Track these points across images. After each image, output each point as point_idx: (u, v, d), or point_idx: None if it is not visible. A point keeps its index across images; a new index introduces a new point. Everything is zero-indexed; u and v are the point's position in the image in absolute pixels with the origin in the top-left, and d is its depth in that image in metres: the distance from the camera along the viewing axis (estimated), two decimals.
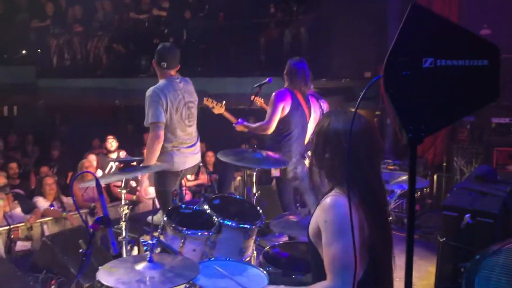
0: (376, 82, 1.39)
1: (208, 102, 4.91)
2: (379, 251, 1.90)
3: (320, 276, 1.91)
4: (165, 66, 4.05)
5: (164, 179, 4.08)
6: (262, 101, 5.21)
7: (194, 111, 4.24)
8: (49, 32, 11.05)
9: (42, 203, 5.62)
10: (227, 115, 4.93)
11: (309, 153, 4.77)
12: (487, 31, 5.90)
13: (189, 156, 4.19)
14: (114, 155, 7.52)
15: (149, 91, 3.99)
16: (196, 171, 4.48)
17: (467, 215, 3.46)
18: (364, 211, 1.86)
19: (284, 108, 4.46)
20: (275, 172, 4.72)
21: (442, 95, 1.21)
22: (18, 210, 5.35)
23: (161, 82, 4.07)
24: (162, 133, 3.94)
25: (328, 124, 1.98)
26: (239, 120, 4.71)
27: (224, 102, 4.90)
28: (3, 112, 12.02)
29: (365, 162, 1.87)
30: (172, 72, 4.11)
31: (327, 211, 1.87)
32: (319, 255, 1.93)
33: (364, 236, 1.85)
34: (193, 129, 4.23)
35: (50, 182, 5.82)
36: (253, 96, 4.98)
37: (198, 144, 4.34)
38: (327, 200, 1.89)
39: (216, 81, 8.56)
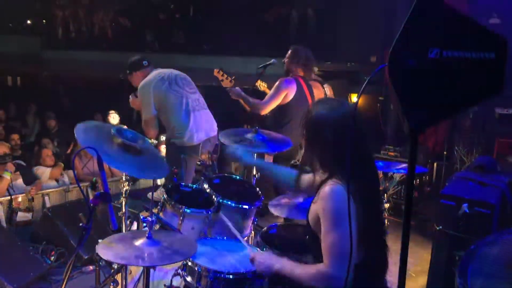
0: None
1: (219, 74, 4.76)
2: (373, 239, 1.93)
3: (321, 259, 1.95)
4: (147, 64, 4.36)
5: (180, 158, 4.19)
6: (266, 86, 5.14)
7: (189, 79, 4.41)
8: (55, 3, 10.96)
9: (43, 174, 5.66)
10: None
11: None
12: (496, 21, 5.83)
13: (203, 128, 4.30)
14: None
15: (139, 85, 4.25)
16: (214, 148, 4.55)
17: (464, 205, 3.47)
18: (358, 200, 1.87)
19: (287, 96, 4.44)
20: (269, 158, 4.70)
21: (446, 87, 1.21)
22: (20, 181, 5.38)
23: (147, 78, 4.28)
24: (154, 125, 4.25)
25: (314, 114, 2.01)
26: (237, 88, 4.61)
27: (234, 77, 4.75)
28: (7, 82, 11.98)
29: (351, 150, 1.87)
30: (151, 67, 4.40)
31: (325, 200, 1.90)
32: (319, 240, 1.96)
33: (360, 224, 1.87)
34: (198, 96, 4.39)
35: (48, 154, 5.86)
36: (257, 81, 4.94)
37: (209, 113, 4.47)
38: (326, 188, 1.92)
39: (221, 59, 8.50)
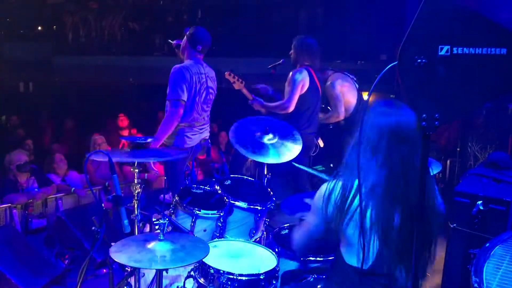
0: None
1: (230, 77, 4.73)
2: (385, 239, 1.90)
3: (340, 259, 1.95)
4: (200, 49, 4.05)
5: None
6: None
7: (213, 97, 4.25)
8: (64, 9, 11.08)
9: (55, 178, 5.71)
10: (246, 92, 4.77)
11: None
12: None
13: (198, 134, 4.21)
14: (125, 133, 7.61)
15: (175, 68, 3.97)
16: (205, 151, 4.44)
17: (479, 202, 3.43)
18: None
19: (303, 86, 4.43)
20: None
21: (457, 84, 1.19)
22: (34, 186, 5.42)
23: (188, 62, 4.05)
24: (181, 110, 3.91)
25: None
26: (256, 98, 4.66)
27: (244, 78, 4.73)
28: (19, 88, 12.12)
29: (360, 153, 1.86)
30: (201, 56, 4.12)
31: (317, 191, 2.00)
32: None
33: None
34: (206, 114, 4.25)
35: (59, 159, 5.92)
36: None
37: (208, 125, 4.36)
38: None
39: (229, 61, 8.50)
